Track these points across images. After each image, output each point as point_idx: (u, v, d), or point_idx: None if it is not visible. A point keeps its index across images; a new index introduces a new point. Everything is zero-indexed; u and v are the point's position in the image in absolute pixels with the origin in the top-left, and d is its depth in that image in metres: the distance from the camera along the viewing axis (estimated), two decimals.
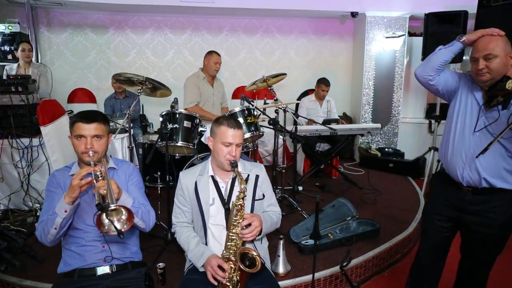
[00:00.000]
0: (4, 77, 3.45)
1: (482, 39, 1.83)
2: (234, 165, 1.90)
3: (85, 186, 1.62)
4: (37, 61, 5.14)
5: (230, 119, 1.99)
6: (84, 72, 5.71)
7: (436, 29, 4.38)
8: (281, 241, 2.62)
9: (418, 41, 5.47)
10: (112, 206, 1.45)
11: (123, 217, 1.48)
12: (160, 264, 2.49)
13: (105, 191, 1.56)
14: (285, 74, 4.00)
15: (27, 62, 4.40)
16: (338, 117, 5.28)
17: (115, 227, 1.43)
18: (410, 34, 5.87)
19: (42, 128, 3.16)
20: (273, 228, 2.10)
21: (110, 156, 2.04)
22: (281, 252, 2.62)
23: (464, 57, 4.24)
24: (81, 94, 5.64)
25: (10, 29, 4.63)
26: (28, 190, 3.50)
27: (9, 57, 4.61)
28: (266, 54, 6.33)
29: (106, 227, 1.45)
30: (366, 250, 2.97)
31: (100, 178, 1.60)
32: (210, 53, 4.28)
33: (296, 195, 4.03)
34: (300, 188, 4.36)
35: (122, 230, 1.47)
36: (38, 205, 3.52)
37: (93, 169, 1.61)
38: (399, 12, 5.57)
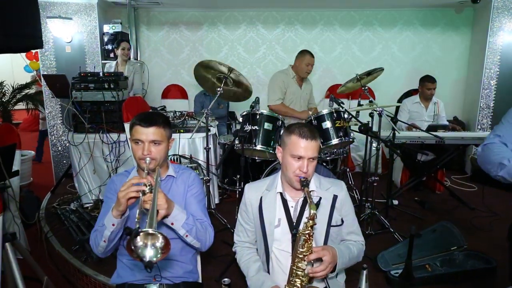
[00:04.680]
0: (101, 75, 3.61)
1: None
2: (304, 183, 1.54)
3: (132, 200, 1.44)
4: (136, 58, 5.41)
5: (303, 127, 1.62)
6: (178, 68, 5.86)
7: None
8: (365, 271, 2.20)
9: None
10: (150, 230, 1.22)
11: (158, 244, 1.24)
12: (226, 280, 2.25)
13: (149, 207, 1.36)
14: (381, 69, 3.48)
15: (125, 60, 4.61)
16: (448, 123, 4.52)
17: (141, 259, 1.20)
18: None
19: (125, 125, 3.23)
20: (353, 263, 1.72)
21: (170, 161, 1.87)
22: (363, 285, 2.20)
23: None
24: (174, 90, 5.84)
25: (114, 29, 4.92)
26: None
27: (111, 55, 4.91)
28: (364, 49, 5.76)
29: (139, 251, 1.24)
30: None
31: (147, 191, 1.41)
32: (303, 53, 3.80)
33: (390, 210, 3.51)
34: (396, 202, 3.85)
35: (154, 259, 1.24)
36: None
37: (140, 181, 1.43)
38: None
